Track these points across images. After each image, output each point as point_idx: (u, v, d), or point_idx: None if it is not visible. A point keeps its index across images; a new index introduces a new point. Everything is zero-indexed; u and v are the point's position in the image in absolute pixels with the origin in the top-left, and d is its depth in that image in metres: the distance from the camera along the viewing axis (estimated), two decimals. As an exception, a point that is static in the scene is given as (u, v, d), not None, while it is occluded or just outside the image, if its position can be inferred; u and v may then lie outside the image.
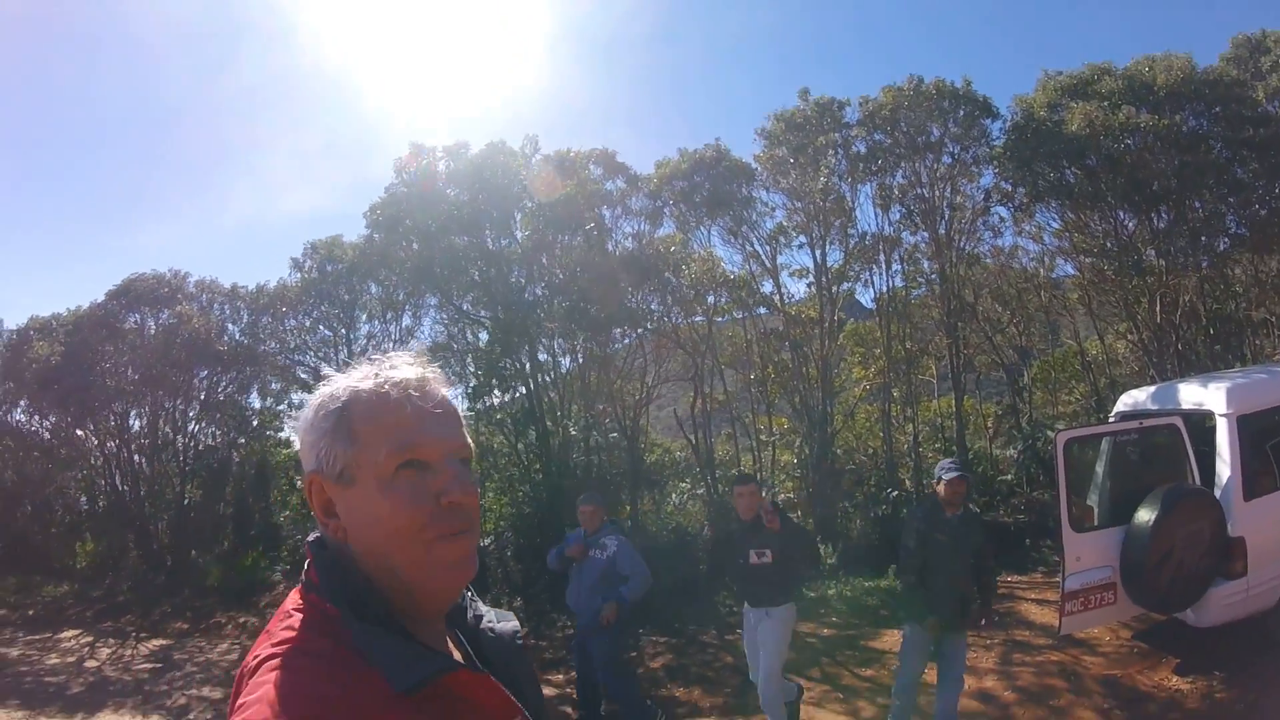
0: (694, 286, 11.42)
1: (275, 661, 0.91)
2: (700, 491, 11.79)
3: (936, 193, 11.81)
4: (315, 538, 1.08)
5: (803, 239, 11.92)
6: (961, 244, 12.17)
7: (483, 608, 1.24)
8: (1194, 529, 5.69)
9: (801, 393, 11.83)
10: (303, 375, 12.59)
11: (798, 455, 12.21)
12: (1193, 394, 6.72)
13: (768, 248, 12.01)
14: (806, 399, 11.80)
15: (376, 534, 1.02)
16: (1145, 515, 5.71)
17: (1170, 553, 5.63)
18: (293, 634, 0.96)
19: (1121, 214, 11.78)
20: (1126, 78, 11.72)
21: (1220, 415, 6.16)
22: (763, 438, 12.64)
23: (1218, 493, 5.96)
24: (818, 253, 11.90)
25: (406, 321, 12.10)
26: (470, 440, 1.11)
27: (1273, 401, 6.58)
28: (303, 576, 1.05)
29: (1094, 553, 5.86)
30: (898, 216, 11.94)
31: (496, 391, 11.06)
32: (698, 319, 12.01)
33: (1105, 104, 11.12)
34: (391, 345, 11.54)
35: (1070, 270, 13.20)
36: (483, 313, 11.53)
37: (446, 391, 1.11)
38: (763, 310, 12.60)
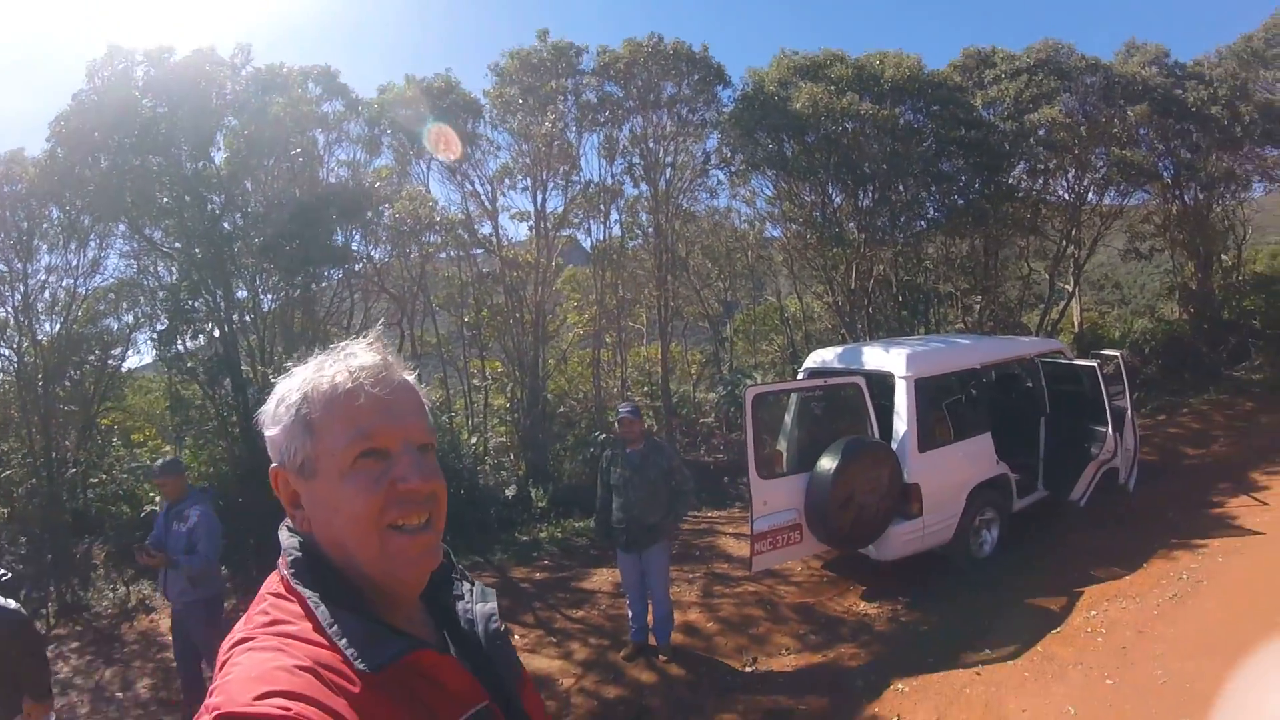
0: (408, 223, 11.31)
1: (249, 644, 1.01)
2: (411, 439, 11.89)
3: (661, 149, 12.40)
4: (285, 526, 1.15)
5: (526, 182, 12.13)
6: (679, 201, 12.98)
7: (465, 587, 1.28)
8: (872, 475, 6.49)
9: (515, 337, 12.23)
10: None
11: (510, 399, 12.70)
12: (875, 357, 7.65)
13: (489, 188, 12.14)
14: (520, 343, 12.21)
15: (337, 523, 1.08)
16: (827, 463, 6.46)
17: (851, 496, 6.41)
18: (266, 618, 1.05)
19: (831, 189, 12.91)
20: (857, 67, 12.75)
21: (900, 377, 7.08)
22: (475, 382, 13.00)
23: (895, 445, 6.86)
24: (539, 197, 12.17)
25: (91, 253, 10.71)
26: (428, 425, 1.16)
27: (947, 367, 7.74)
28: (278, 564, 1.12)
29: (780, 497, 6.54)
30: (621, 168, 12.43)
31: (189, 336, 10.26)
32: (410, 258, 12.01)
33: (833, 88, 12.05)
34: (74, 281, 10.36)
35: (777, 234, 14.47)
36: (176, 245, 10.57)
37: (407, 377, 1.16)
38: (479, 251, 12.88)
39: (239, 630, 1.06)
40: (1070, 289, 15.31)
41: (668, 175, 12.61)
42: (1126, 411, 8.36)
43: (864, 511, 6.51)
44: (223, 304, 10.42)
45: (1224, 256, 16.02)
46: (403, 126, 11.64)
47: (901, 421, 6.95)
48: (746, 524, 6.74)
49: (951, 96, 12.86)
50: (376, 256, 11.75)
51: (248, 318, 10.93)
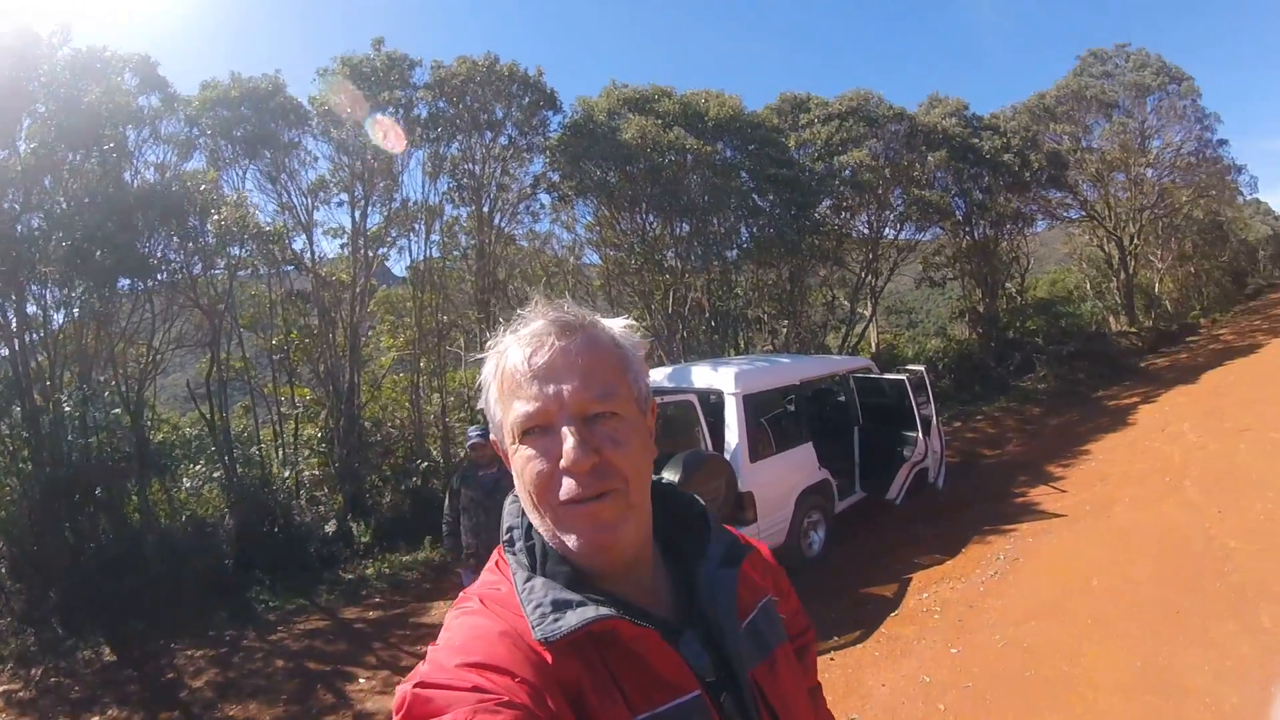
0: (221, 235, 10.53)
1: (465, 606, 1.07)
2: (218, 474, 10.85)
3: (487, 171, 12.93)
4: (513, 493, 1.15)
5: (344, 196, 12.18)
6: (502, 223, 13.54)
7: (720, 545, 1.20)
8: (712, 486, 6.87)
9: (329, 361, 12.00)
10: None
11: (322, 428, 12.21)
12: (704, 376, 8.49)
13: (306, 200, 12.03)
14: (333, 368, 12.00)
15: (522, 497, 1.10)
16: (669, 475, 6.51)
17: None
18: (491, 577, 1.11)
19: (651, 218, 14.01)
20: (683, 103, 14.08)
21: (729, 394, 7.83)
22: (284, 410, 12.32)
23: (727, 457, 7.47)
24: (357, 213, 12.27)
25: None
26: (597, 390, 1.05)
27: (771, 384, 8.70)
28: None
29: None
30: (445, 187, 12.83)
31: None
32: (217, 272, 11.36)
33: (660, 121, 13.13)
34: None
35: (596, 260, 15.56)
36: (-34, 247, 9.35)
37: (576, 337, 1.08)
38: (290, 269, 12.39)
39: (467, 589, 1.13)
40: (868, 314, 17.38)
41: (492, 196, 13.08)
42: (932, 418, 9.67)
43: None
44: (14, 318, 9.48)
45: (1009, 284, 18.82)
46: (222, 128, 11.19)
47: (732, 434, 7.71)
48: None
49: (768, 137, 14.50)
50: (189, 269, 10.89)
51: (37, 336, 9.83)
